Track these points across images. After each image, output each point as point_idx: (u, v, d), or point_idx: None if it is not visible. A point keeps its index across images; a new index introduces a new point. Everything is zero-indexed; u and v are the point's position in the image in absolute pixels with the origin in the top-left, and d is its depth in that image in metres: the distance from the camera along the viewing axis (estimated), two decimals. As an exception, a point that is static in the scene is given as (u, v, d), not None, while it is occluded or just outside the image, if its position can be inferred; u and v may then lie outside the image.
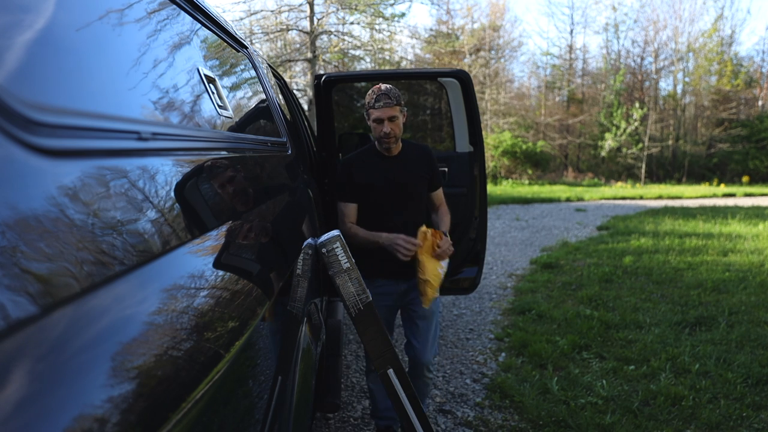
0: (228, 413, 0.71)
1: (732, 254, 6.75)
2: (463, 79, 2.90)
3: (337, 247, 1.53)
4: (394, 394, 1.59)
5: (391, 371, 1.58)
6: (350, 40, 17.61)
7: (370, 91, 2.18)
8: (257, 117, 1.67)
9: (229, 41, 1.57)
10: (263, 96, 1.86)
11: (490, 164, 23.75)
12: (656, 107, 30.47)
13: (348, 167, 2.30)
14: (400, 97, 2.16)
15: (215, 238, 0.81)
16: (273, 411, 0.95)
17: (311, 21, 16.58)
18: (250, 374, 0.84)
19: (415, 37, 20.12)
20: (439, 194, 2.44)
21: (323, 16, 16.78)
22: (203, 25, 1.27)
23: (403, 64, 20.64)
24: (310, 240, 1.52)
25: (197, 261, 0.72)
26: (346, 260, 1.53)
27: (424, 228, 2.18)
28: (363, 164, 2.29)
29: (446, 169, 3.07)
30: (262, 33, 17.30)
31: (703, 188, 21.78)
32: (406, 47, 23.45)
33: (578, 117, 29.09)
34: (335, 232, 1.57)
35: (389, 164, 2.27)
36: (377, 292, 2.25)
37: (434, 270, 2.15)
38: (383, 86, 2.14)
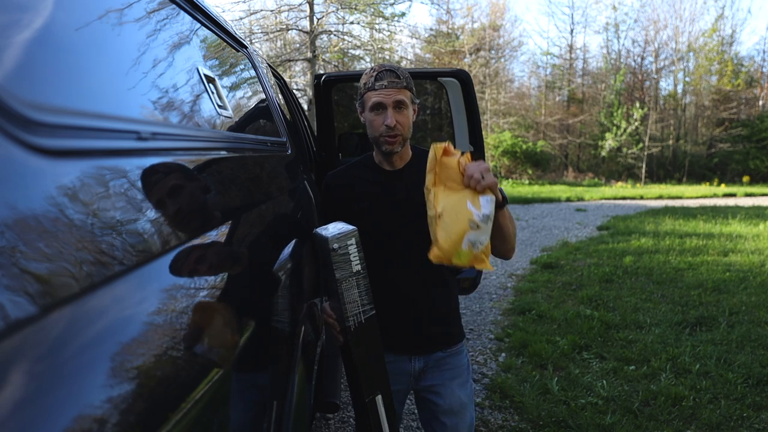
0: (228, 413, 0.71)
1: (732, 254, 6.75)
2: (463, 78, 2.89)
3: (352, 245, 1.27)
4: (376, 423, 1.39)
5: (379, 398, 1.37)
6: (350, 39, 17.61)
7: (367, 71, 1.50)
8: (257, 117, 1.67)
9: (228, 41, 1.57)
10: (263, 96, 1.86)
11: (490, 164, 23.71)
12: (656, 107, 30.46)
13: (330, 189, 1.63)
14: (411, 81, 1.48)
15: (215, 238, 0.81)
16: (273, 411, 0.95)
17: (311, 21, 16.58)
18: (249, 375, 0.84)
19: (415, 36, 20.13)
20: None
21: (323, 16, 16.78)
22: (203, 24, 1.27)
23: (403, 63, 20.64)
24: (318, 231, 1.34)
25: (197, 261, 0.72)
26: (359, 262, 1.28)
27: (433, 145, 1.30)
28: (352, 181, 1.59)
29: None
30: (261, 33, 17.30)
31: (704, 188, 21.76)
32: (406, 47, 23.47)
33: (578, 117, 29.08)
34: (350, 227, 1.30)
35: (391, 182, 1.55)
36: None
37: (458, 207, 1.21)
38: (387, 63, 1.48)
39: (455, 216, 1.21)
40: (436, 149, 1.29)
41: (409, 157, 1.58)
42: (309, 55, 16.73)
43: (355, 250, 1.30)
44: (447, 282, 1.61)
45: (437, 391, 1.58)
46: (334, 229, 1.31)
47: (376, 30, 17.90)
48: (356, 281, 1.31)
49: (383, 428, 1.38)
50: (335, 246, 1.26)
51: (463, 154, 1.30)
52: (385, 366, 1.40)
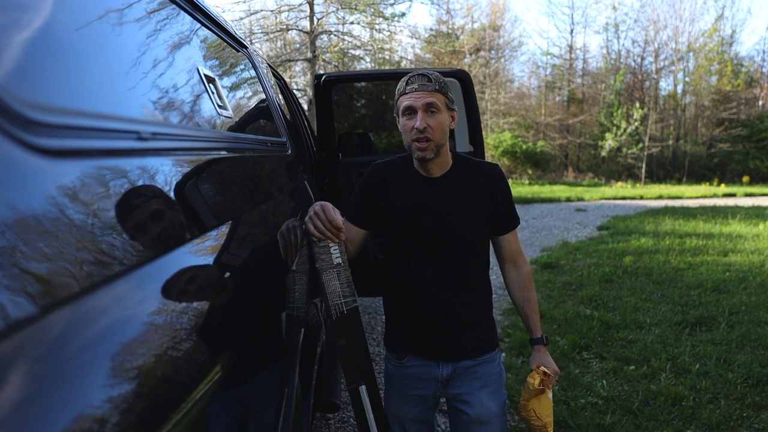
0: (228, 413, 0.71)
1: (732, 254, 6.75)
2: (463, 78, 2.89)
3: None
4: (360, 414, 1.41)
5: (363, 388, 1.40)
6: (350, 40, 17.62)
7: (402, 78, 1.48)
8: (257, 117, 1.67)
9: (228, 41, 1.57)
10: (263, 96, 1.86)
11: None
12: (656, 107, 30.45)
13: (373, 178, 1.57)
14: (447, 87, 1.45)
15: (215, 238, 0.81)
16: (273, 411, 0.95)
17: (311, 21, 16.58)
18: (249, 374, 0.84)
19: (415, 37, 20.12)
20: (510, 240, 1.59)
21: (323, 16, 16.79)
22: (203, 25, 1.27)
23: (403, 64, 20.64)
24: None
25: (197, 261, 0.72)
26: (339, 255, 1.36)
27: (529, 379, 1.60)
28: (390, 180, 1.54)
29: None
30: (262, 33, 17.31)
31: (704, 188, 21.74)
32: (406, 47, 23.47)
33: (578, 117, 29.07)
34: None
35: (427, 190, 1.50)
36: (406, 374, 1.56)
37: (549, 407, 1.61)
38: (422, 68, 1.42)
39: (549, 410, 1.60)
40: (537, 383, 1.57)
41: (449, 166, 1.51)
42: (309, 55, 16.73)
43: (336, 243, 1.37)
44: (478, 290, 1.56)
45: (466, 399, 1.54)
46: None
47: (376, 30, 17.90)
48: (337, 273, 1.37)
49: (368, 418, 1.41)
50: (314, 237, 1.35)
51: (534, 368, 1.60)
52: (370, 357, 1.43)
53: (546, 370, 1.57)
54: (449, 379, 1.54)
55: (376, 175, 1.56)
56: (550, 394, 1.61)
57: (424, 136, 1.40)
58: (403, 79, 1.47)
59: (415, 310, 1.52)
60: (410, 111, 1.42)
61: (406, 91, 1.43)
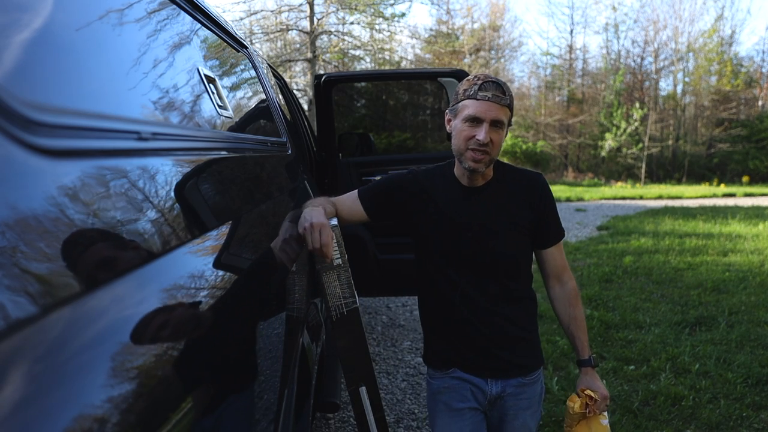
0: (228, 413, 0.71)
1: (732, 254, 6.75)
2: (463, 78, 2.89)
3: (332, 238, 1.34)
4: (361, 415, 1.41)
5: (363, 389, 1.40)
6: (350, 40, 17.62)
7: (470, 77, 1.38)
8: (257, 117, 1.67)
9: (229, 41, 1.57)
10: (263, 96, 1.86)
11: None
12: (656, 107, 30.44)
13: (410, 182, 1.49)
14: (513, 101, 1.38)
15: (215, 238, 0.81)
16: (273, 411, 0.95)
17: (311, 21, 16.59)
18: (249, 374, 0.84)
19: (415, 37, 20.12)
20: (554, 254, 1.50)
21: (323, 16, 16.79)
22: (203, 25, 1.27)
23: (403, 64, 20.64)
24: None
25: (197, 261, 0.72)
26: (339, 256, 1.35)
27: (569, 402, 1.51)
28: (431, 187, 1.47)
29: None
30: (262, 33, 17.31)
31: (703, 188, 21.73)
32: (406, 47, 23.47)
33: (578, 117, 29.08)
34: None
35: (466, 199, 1.43)
36: (453, 386, 1.47)
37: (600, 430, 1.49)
38: (492, 75, 1.37)
39: None
40: (577, 407, 1.46)
41: (490, 176, 1.44)
42: (309, 55, 16.73)
43: (335, 244, 1.36)
44: (520, 304, 1.48)
45: (508, 419, 1.48)
46: None
47: (376, 30, 17.91)
48: (337, 274, 1.36)
49: (368, 420, 1.41)
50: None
51: (579, 392, 1.49)
52: (370, 358, 1.43)
53: (592, 394, 1.46)
54: (498, 398, 1.46)
55: (413, 181, 1.48)
56: (604, 420, 1.49)
57: (483, 149, 1.32)
58: (472, 80, 1.35)
59: (456, 324, 1.45)
60: (475, 120, 1.32)
61: (478, 97, 1.32)
